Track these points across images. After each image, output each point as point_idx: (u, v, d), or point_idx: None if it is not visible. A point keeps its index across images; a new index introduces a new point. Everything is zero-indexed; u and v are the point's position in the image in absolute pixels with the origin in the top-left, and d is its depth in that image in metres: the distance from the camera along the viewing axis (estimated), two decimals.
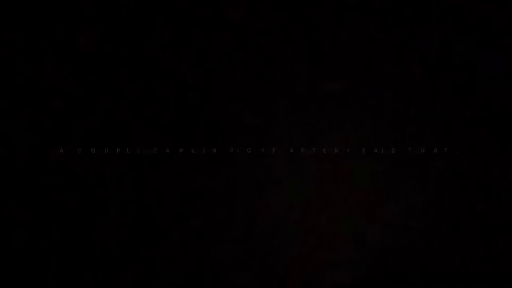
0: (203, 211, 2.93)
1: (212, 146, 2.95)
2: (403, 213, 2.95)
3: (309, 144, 2.97)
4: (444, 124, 2.98)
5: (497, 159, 2.96)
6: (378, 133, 2.98)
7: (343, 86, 2.98)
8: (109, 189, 2.91)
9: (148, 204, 2.92)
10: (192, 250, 2.91)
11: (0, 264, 2.85)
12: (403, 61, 3.00)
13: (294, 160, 2.97)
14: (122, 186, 2.92)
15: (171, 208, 2.92)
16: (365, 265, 2.93)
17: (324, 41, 3.00)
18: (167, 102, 2.96)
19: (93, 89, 2.94)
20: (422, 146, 2.97)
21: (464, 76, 2.99)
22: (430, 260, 2.92)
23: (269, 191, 2.95)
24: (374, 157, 2.97)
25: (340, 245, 2.94)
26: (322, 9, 3.00)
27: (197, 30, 2.98)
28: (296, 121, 2.97)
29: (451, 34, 2.99)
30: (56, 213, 2.89)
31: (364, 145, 2.97)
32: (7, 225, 2.86)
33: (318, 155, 2.97)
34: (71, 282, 2.87)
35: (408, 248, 2.93)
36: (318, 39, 3.00)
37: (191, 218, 2.93)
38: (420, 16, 3.00)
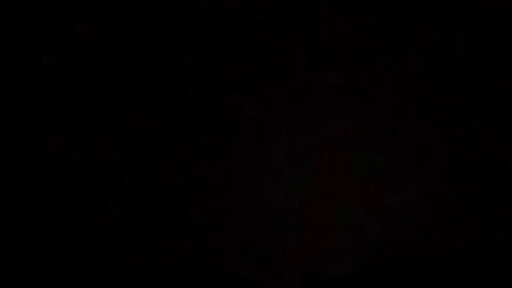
0: (202, 202, 2.92)
1: (211, 136, 2.94)
2: (402, 204, 2.95)
3: (309, 135, 2.96)
4: (444, 115, 2.97)
5: (496, 149, 2.96)
6: (378, 123, 2.97)
7: (343, 76, 2.98)
8: (107, 180, 2.91)
9: (147, 195, 2.91)
10: (191, 241, 2.91)
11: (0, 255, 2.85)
12: (402, 52, 2.99)
13: (294, 150, 2.96)
14: (120, 177, 2.91)
15: (170, 199, 2.91)
16: (364, 255, 2.93)
17: (324, 31, 2.99)
18: (166, 92, 2.95)
19: (92, 79, 2.94)
20: (421, 136, 2.96)
21: (464, 66, 2.98)
22: (430, 251, 2.92)
23: (269, 181, 2.95)
24: (374, 147, 2.97)
25: (339, 236, 2.94)
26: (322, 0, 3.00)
27: (196, 20, 2.97)
28: (295, 112, 2.97)
29: (450, 25, 2.99)
30: (55, 204, 2.88)
31: (363, 135, 2.96)
32: (6, 216, 2.86)
33: (318, 145, 2.96)
34: (70, 273, 2.86)
35: (407, 239, 2.93)
36: (317, 30, 3.00)
37: (190, 209, 2.92)
38: (420, 7, 2.99)
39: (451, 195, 2.95)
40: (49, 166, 2.89)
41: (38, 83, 2.92)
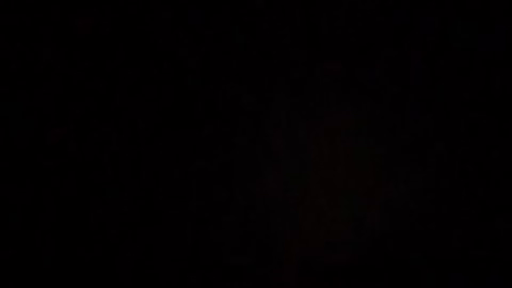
0: (201, 193, 2.93)
1: (210, 127, 2.94)
2: (402, 196, 2.94)
3: (308, 126, 2.96)
4: (444, 106, 2.96)
5: (496, 142, 2.94)
6: (377, 115, 2.96)
7: (342, 67, 2.97)
8: (106, 172, 2.91)
9: (146, 187, 2.92)
10: (190, 232, 2.92)
11: None
12: (402, 43, 2.97)
13: (293, 142, 2.96)
14: (119, 169, 2.92)
15: (169, 190, 2.92)
16: (363, 247, 2.93)
17: (323, 22, 2.98)
18: (165, 85, 2.95)
19: (91, 72, 2.94)
20: (421, 128, 2.95)
21: (464, 58, 2.96)
22: (429, 243, 2.92)
23: (268, 173, 2.95)
24: (373, 139, 2.96)
25: (338, 227, 2.94)
26: None
27: (195, 12, 2.96)
28: (294, 103, 2.96)
29: (450, 16, 2.96)
30: (53, 195, 2.89)
31: (363, 127, 2.96)
32: (4, 209, 2.87)
33: (317, 137, 2.96)
34: (68, 265, 2.87)
35: (406, 231, 2.93)
36: (317, 20, 2.98)
37: (189, 200, 2.93)
38: None
39: (451, 187, 2.95)
40: (47, 158, 2.90)
41: (37, 76, 2.92)
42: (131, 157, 2.92)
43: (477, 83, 2.96)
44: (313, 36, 2.97)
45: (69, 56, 2.93)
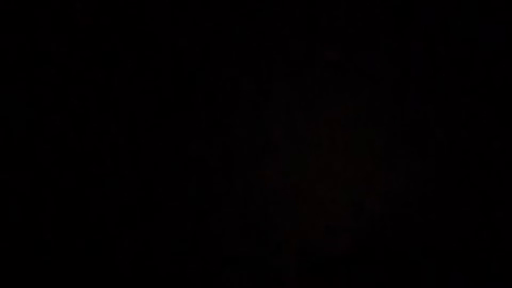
0: (199, 180, 2.91)
1: (209, 114, 2.94)
2: (401, 182, 2.93)
3: (307, 112, 2.95)
4: (443, 93, 2.96)
5: (496, 129, 2.94)
6: (377, 101, 2.96)
7: (342, 54, 2.97)
8: (105, 162, 2.91)
9: (145, 177, 2.91)
10: (189, 220, 2.90)
11: None
12: (402, 29, 2.98)
13: (292, 128, 2.95)
14: (117, 159, 2.91)
15: (167, 177, 2.91)
16: (363, 236, 2.91)
17: (323, 11, 2.99)
18: (163, 71, 2.96)
19: (89, 56, 2.95)
20: (421, 114, 2.95)
21: (464, 43, 2.97)
22: (429, 230, 2.90)
23: (267, 159, 2.94)
24: (373, 125, 2.95)
25: (338, 214, 2.92)
26: None
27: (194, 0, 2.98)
28: (294, 89, 2.96)
29: (451, 5, 2.98)
30: (51, 185, 2.88)
31: (362, 113, 2.95)
32: (2, 199, 2.86)
33: (316, 123, 2.95)
34: (68, 257, 2.86)
35: (406, 218, 2.91)
36: (316, 9, 2.99)
37: (187, 187, 2.91)
38: None
39: (451, 175, 2.93)
40: (46, 147, 2.89)
41: (36, 67, 2.93)
42: (130, 147, 2.92)
43: (478, 72, 2.96)
44: (313, 24, 2.98)
45: (67, 43, 2.94)
